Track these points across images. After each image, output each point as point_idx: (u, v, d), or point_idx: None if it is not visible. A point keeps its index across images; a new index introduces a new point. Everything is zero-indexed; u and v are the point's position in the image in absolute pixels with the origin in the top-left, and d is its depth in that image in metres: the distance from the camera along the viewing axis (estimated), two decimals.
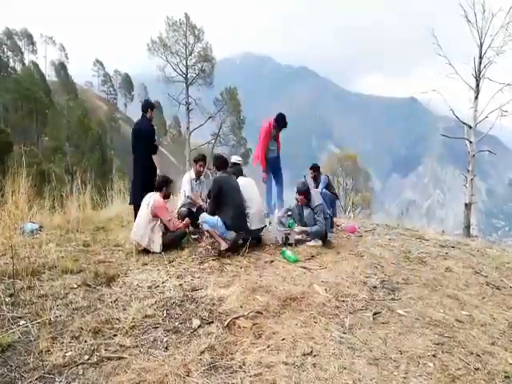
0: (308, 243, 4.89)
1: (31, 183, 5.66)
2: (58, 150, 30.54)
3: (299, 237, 5.01)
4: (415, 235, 5.84)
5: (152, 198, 4.53)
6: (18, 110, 40.15)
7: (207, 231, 4.51)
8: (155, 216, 4.47)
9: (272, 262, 4.22)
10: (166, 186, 4.73)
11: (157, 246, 4.42)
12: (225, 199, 4.49)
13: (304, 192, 4.91)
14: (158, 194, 4.63)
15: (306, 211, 4.93)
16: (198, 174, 5.53)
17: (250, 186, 4.92)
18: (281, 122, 6.13)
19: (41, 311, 2.84)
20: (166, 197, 4.84)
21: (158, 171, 5.42)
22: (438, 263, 4.39)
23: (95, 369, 2.25)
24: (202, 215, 4.59)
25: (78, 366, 2.26)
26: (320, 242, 4.87)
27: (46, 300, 3.05)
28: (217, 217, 4.43)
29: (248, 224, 4.62)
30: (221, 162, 4.92)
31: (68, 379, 2.15)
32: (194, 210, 5.39)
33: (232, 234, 4.43)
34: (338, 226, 5.97)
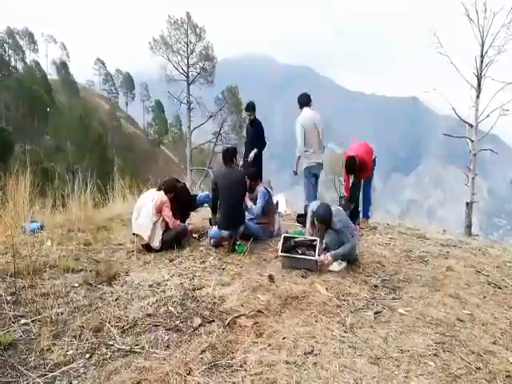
0: (331, 268, 4.00)
1: (32, 182, 5.67)
2: (59, 148, 30.64)
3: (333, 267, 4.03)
4: (416, 234, 5.83)
5: (157, 194, 4.57)
6: (20, 109, 40.20)
7: None
8: (159, 212, 4.49)
9: (272, 260, 4.22)
10: (173, 193, 4.75)
11: (157, 242, 4.43)
12: (220, 196, 4.53)
13: (326, 219, 3.96)
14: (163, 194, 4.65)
15: (328, 237, 4.15)
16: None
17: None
18: None
19: (42, 310, 2.84)
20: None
21: None
22: (439, 262, 4.38)
23: (96, 367, 2.25)
24: (209, 232, 4.69)
25: (79, 364, 2.27)
26: (344, 265, 4.03)
27: (47, 299, 3.06)
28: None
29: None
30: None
31: (69, 378, 2.16)
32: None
33: (224, 233, 4.49)
34: None
